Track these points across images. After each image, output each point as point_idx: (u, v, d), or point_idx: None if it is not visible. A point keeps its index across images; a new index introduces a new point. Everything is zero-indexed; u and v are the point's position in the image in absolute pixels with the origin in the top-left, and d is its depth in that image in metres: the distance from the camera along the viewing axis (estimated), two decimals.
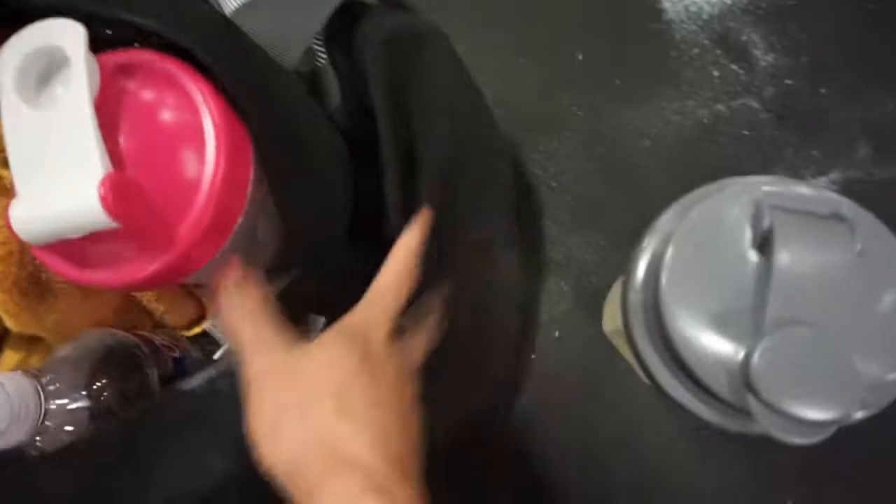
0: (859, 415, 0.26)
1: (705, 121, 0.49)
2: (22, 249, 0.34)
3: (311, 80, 0.36)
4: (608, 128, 0.50)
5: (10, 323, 0.35)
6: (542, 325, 0.48)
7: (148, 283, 0.27)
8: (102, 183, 0.23)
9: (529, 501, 0.46)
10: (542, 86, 0.52)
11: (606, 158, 0.50)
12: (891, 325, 0.27)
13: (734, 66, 0.49)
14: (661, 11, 0.51)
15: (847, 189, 0.45)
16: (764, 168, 0.46)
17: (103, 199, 0.22)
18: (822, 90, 0.47)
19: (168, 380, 0.36)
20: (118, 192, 0.23)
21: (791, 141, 0.47)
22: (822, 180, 0.45)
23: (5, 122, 0.25)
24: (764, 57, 0.48)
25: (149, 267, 0.26)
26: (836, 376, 0.24)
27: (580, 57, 0.52)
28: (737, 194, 0.31)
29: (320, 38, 0.36)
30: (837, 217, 0.29)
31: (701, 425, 0.39)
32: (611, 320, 0.45)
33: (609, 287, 0.47)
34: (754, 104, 0.48)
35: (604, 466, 0.46)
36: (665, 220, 0.34)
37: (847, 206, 0.30)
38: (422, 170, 0.33)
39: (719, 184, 0.34)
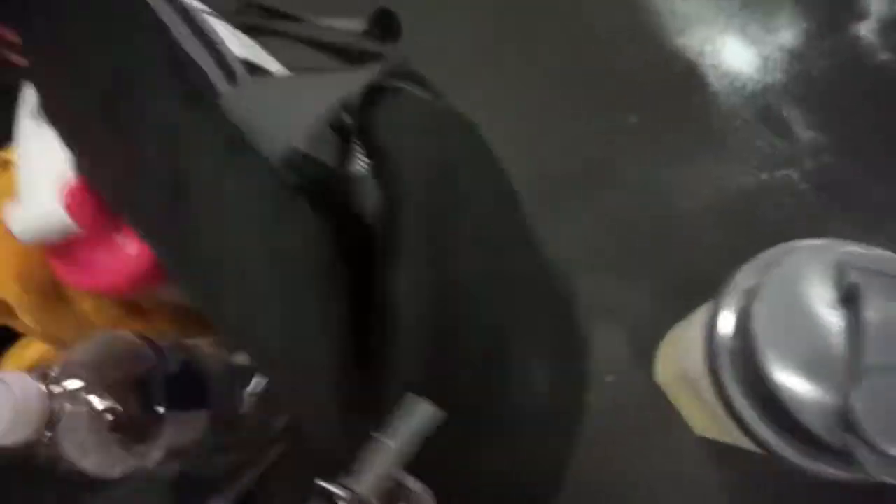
0: None
1: (749, 187, 0.53)
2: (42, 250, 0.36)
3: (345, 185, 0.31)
4: (658, 186, 0.54)
5: (31, 322, 0.37)
6: (595, 368, 0.50)
7: (124, 285, 0.30)
8: (69, 191, 0.28)
9: None
10: (598, 143, 0.56)
11: (656, 215, 0.54)
12: None
13: (776, 139, 0.54)
14: (707, 85, 0.56)
15: None
16: (807, 235, 0.50)
17: (67, 204, 0.27)
18: (858, 167, 0.52)
19: (172, 383, 0.35)
20: (81, 199, 0.28)
21: (831, 212, 0.51)
22: None
23: (20, 139, 0.30)
24: (804, 132, 0.53)
25: (120, 270, 0.29)
26: None
27: (634, 119, 0.56)
28: (812, 254, 0.34)
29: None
30: None
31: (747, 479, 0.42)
32: (665, 370, 0.47)
33: (661, 336, 0.49)
34: (795, 175, 0.52)
35: None
36: (742, 277, 0.36)
37: None
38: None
39: (787, 246, 0.37)
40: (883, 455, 0.27)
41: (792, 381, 0.30)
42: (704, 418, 0.43)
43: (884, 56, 0.54)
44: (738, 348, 0.33)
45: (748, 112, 0.55)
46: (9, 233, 0.33)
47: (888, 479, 0.27)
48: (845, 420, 0.28)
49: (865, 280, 0.31)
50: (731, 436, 0.39)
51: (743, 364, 0.33)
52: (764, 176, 0.53)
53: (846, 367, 0.29)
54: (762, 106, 0.55)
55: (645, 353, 0.50)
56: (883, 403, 0.27)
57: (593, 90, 0.57)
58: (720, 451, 0.47)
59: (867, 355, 0.28)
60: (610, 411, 0.49)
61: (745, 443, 0.38)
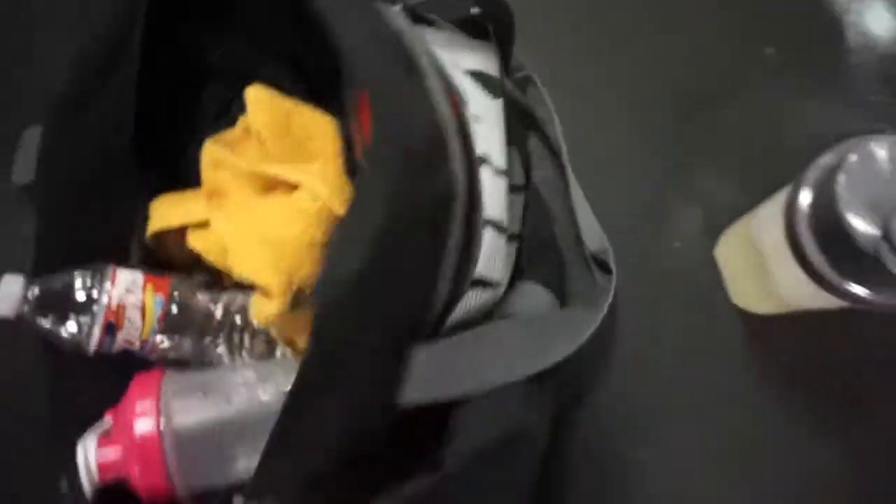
0: None
1: (856, 132, 0.60)
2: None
3: None
4: (777, 114, 0.61)
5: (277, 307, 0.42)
6: (665, 233, 0.60)
7: None
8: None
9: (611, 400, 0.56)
10: (734, 67, 0.63)
11: (767, 134, 0.61)
12: None
13: (891, 98, 0.61)
14: (845, 40, 0.63)
15: None
16: None
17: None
18: None
19: None
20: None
21: None
22: None
23: None
24: None
25: None
26: None
27: (770, 51, 0.63)
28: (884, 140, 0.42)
29: None
30: None
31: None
32: (729, 244, 0.57)
33: (731, 219, 0.58)
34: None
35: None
36: (824, 160, 0.45)
37: None
38: None
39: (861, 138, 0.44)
40: None
41: (862, 226, 0.39)
42: (756, 287, 0.52)
43: None
44: (815, 208, 0.42)
45: (873, 70, 0.62)
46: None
47: None
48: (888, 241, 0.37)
49: None
50: (777, 299, 0.48)
51: (816, 220, 0.42)
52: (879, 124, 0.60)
53: None
54: (886, 68, 0.62)
55: (712, 232, 0.59)
56: None
57: (736, 20, 0.64)
58: (754, 322, 0.57)
59: None
60: (671, 271, 0.59)
61: (787, 306, 0.48)
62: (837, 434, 0.55)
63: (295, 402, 0.35)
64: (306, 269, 0.42)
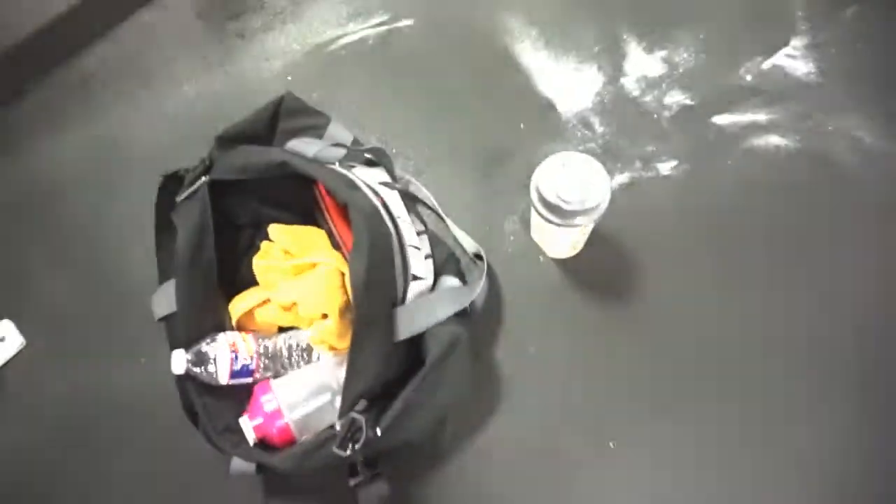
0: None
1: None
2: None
3: None
4: (529, 158, 1.13)
5: (336, 330, 0.88)
6: (503, 236, 1.07)
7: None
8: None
9: (498, 324, 1.02)
10: (509, 137, 1.15)
11: (528, 159, 1.12)
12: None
13: (585, 132, 1.13)
14: (560, 114, 1.16)
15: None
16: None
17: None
18: (631, 147, 1.10)
19: None
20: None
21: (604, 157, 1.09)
22: None
23: None
24: (600, 129, 1.13)
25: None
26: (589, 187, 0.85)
27: (523, 125, 1.15)
28: (555, 158, 0.91)
29: None
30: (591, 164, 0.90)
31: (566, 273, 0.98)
32: (533, 231, 1.05)
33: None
34: (597, 149, 1.11)
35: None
36: (534, 176, 0.94)
37: (596, 164, 0.91)
38: None
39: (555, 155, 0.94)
40: (564, 205, 0.85)
41: (551, 195, 0.88)
42: (552, 243, 1.00)
43: (636, 93, 1.14)
44: (537, 192, 0.90)
45: (575, 119, 1.15)
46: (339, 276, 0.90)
47: (575, 221, 0.85)
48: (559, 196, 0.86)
49: (568, 161, 0.89)
50: (547, 239, 0.96)
51: (538, 197, 0.90)
52: (580, 147, 1.11)
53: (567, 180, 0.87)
54: (581, 118, 1.15)
55: (526, 225, 1.06)
56: (569, 180, 0.85)
57: (502, 109, 1.17)
58: (563, 264, 1.04)
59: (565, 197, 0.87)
60: (512, 253, 1.06)
61: (565, 245, 0.96)
62: (633, 310, 1.01)
63: (355, 343, 0.79)
64: (341, 298, 0.88)
